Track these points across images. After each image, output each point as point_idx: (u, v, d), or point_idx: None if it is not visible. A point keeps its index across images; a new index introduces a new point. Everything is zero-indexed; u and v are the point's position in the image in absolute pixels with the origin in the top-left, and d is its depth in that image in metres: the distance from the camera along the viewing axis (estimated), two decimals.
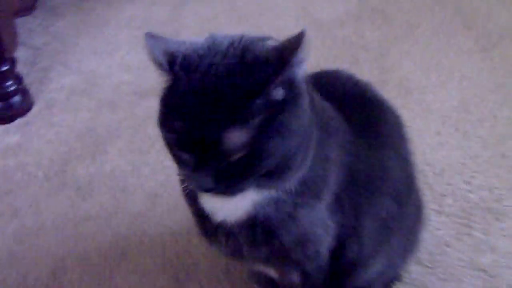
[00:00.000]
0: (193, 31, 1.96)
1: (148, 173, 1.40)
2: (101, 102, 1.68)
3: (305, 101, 0.67)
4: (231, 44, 0.65)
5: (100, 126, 1.58)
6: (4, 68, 1.59)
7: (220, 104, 0.60)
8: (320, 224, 0.78)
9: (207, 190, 0.66)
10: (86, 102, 1.69)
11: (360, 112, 0.85)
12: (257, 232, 0.75)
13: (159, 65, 0.65)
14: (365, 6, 2.00)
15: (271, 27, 1.91)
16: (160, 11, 2.16)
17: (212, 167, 0.63)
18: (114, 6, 2.24)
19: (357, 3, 2.02)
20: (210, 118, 0.60)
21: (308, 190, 0.74)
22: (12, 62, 1.63)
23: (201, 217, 0.79)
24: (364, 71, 1.64)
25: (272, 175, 0.67)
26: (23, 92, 1.67)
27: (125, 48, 1.94)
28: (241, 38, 0.66)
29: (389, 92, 1.51)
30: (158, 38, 0.68)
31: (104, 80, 1.79)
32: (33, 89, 1.74)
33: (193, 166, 0.64)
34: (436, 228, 1.16)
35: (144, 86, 1.71)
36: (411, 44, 1.78)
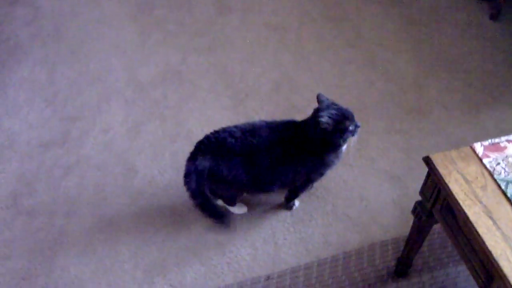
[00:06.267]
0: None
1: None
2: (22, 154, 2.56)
3: None
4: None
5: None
6: None
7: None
8: None
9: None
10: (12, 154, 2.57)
11: None
12: None
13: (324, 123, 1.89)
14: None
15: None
16: (40, 72, 2.97)
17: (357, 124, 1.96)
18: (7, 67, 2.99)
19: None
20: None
21: None
22: None
23: None
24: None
25: None
26: None
27: (26, 108, 2.78)
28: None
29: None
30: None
31: (19, 136, 2.64)
32: None
33: (355, 124, 1.94)
34: None
35: (45, 140, 2.61)
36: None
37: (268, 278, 2.11)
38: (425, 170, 1.64)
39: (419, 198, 1.77)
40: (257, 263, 2.16)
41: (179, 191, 2.35)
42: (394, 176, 2.44)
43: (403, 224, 2.24)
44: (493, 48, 3.06)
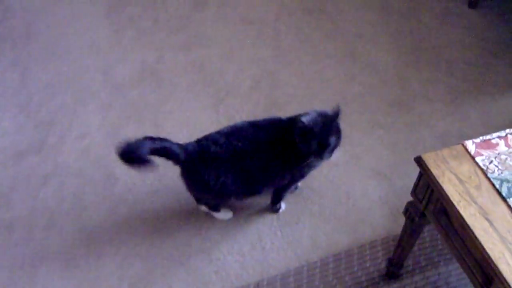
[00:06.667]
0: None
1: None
2: None
3: None
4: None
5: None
6: None
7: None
8: None
9: (328, 158, 1.88)
10: None
11: None
12: None
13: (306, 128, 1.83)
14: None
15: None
16: (12, 75, 2.90)
17: (329, 150, 1.84)
18: None
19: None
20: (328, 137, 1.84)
21: None
22: None
23: None
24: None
25: None
26: None
27: None
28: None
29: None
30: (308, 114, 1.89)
31: None
32: None
33: (324, 151, 1.83)
34: None
35: (20, 148, 2.56)
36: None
37: (257, 285, 2.06)
38: (411, 166, 1.61)
39: (406, 195, 1.74)
40: (246, 270, 2.11)
41: (161, 198, 2.31)
42: (380, 173, 2.41)
43: (391, 223, 2.22)
44: (472, 37, 3.05)
